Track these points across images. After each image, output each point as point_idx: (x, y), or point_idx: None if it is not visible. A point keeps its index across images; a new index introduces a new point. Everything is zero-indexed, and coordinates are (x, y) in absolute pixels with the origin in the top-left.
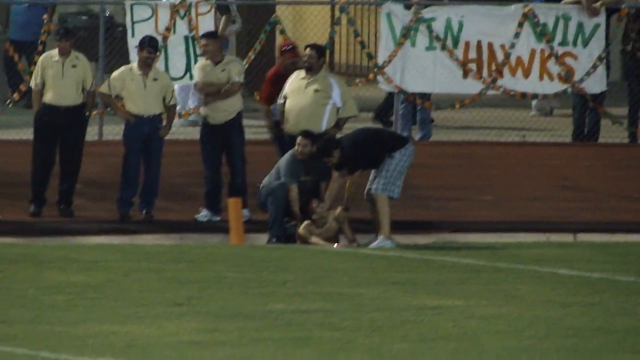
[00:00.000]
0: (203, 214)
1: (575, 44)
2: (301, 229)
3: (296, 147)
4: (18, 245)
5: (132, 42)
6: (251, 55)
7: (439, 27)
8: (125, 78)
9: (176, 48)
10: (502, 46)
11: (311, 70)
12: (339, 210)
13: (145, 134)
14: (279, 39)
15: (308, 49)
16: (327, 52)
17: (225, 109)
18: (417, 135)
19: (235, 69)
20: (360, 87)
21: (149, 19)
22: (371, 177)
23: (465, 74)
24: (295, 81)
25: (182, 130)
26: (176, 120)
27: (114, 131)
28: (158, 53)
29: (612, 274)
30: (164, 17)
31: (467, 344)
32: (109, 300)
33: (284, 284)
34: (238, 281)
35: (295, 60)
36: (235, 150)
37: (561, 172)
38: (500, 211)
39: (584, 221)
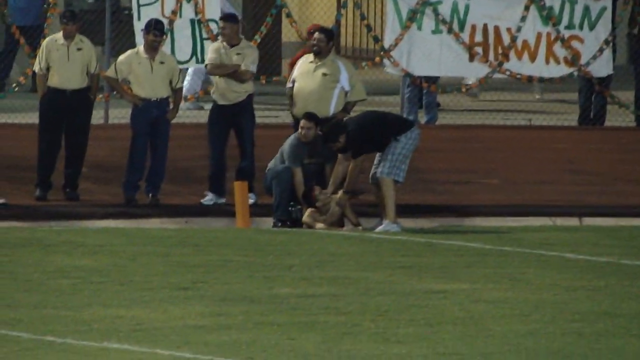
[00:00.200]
0: (208, 198)
1: (581, 27)
2: (305, 217)
3: (300, 131)
4: (24, 230)
5: (138, 26)
6: (257, 38)
7: (445, 10)
8: (132, 62)
9: (182, 31)
10: (509, 29)
11: (320, 54)
12: (340, 194)
13: (152, 117)
14: (285, 22)
15: (317, 32)
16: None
17: (236, 90)
18: (423, 118)
19: (251, 57)
20: (367, 71)
21: (155, 2)
22: (376, 160)
23: (472, 58)
24: (304, 65)
25: (188, 114)
26: (184, 104)
27: (120, 115)
28: (164, 36)
29: (618, 257)
30: (170, 0)
31: (473, 327)
32: (115, 284)
33: (289, 268)
34: (243, 265)
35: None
36: (245, 132)
37: (567, 156)
38: (506, 195)
39: (590, 205)
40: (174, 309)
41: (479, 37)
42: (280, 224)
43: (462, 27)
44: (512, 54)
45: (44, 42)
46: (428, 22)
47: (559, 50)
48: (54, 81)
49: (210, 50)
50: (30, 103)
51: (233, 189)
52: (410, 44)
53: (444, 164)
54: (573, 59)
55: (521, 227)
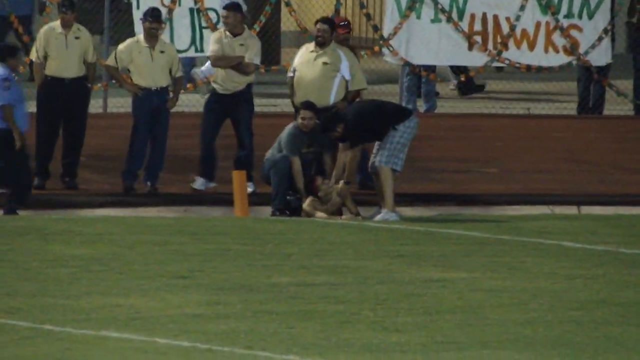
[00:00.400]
0: (199, 182)
1: (580, 16)
2: (306, 205)
3: (299, 120)
4: (22, 218)
5: (137, 14)
6: (256, 27)
7: None
8: (132, 50)
9: (181, 20)
10: (508, 18)
11: (324, 44)
12: (341, 184)
13: (153, 106)
14: (284, 11)
15: (320, 23)
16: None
17: (236, 80)
18: (421, 107)
19: (255, 48)
20: (366, 60)
21: None
22: (375, 149)
23: (471, 47)
24: (305, 54)
25: (187, 102)
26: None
27: (119, 104)
28: (163, 25)
29: (616, 246)
30: None
31: (472, 316)
32: (113, 273)
33: (288, 257)
34: (242, 254)
35: (347, 37)
36: (242, 121)
37: (566, 145)
38: (505, 184)
39: (588, 193)
40: (172, 297)
41: (478, 26)
42: (278, 213)
43: (461, 16)
44: (511, 43)
45: (42, 31)
46: (427, 11)
47: (558, 39)
48: (52, 69)
49: (212, 40)
50: (28, 92)
51: (226, 176)
52: (409, 33)
53: (443, 153)
54: (572, 48)
55: (520, 216)
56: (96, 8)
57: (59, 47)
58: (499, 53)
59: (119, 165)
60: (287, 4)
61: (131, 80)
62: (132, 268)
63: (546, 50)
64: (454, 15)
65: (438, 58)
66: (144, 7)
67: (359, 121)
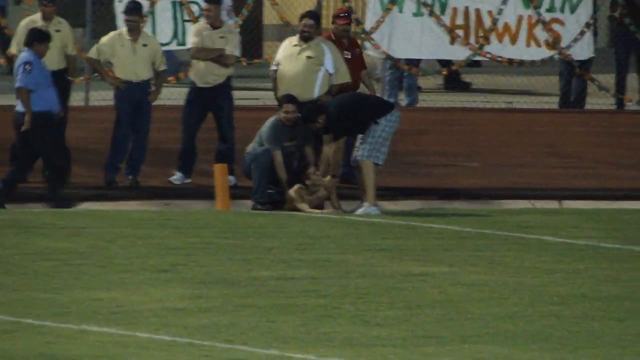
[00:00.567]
0: (176, 177)
1: (562, 10)
2: (292, 191)
3: (281, 113)
4: (3, 212)
5: (119, 8)
6: (239, 20)
7: None
8: (114, 44)
9: (164, 13)
10: (490, 12)
11: (310, 39)
12: (328, 178)
13: (135, 99)
14: (266, 5)
15: (306, 18)
16: None
17: (216, 74)
18: (403, 101)
19: (234, 41)
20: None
21: None
22: (357, 143)
23: (453, 40)
24: (288, 48)
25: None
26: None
27: (100, 97)
28: (145, 18)
29: (597, 241)
30: None
31: (452, 310)
32: (94, 266)
33: (269, 251)
34: (223, 247)
35: (347, 28)
36: (224, 115)
37: (547, 139)
38: (487, 178)
39: (570, 188)
40: (154, 291)
41: (460, 20)
42: (259, 207)
43: (443, 9)
44: (493, 37)
45: (22, 24)
46: (409, 4)
47: (540, 33)
48: None
49: (192, 33)
50: (8, 85)
51: (208, 169)
52: (391, 26)
53: (424, 147)
54: (554, 42)
55: (501, 210)
56: (79, 1)
57: None
58: (481, 47)
59: (100, 158)
60: None
61: (113, 73)
62: (114, 262)
63: (528, 44)
64: (436, 9)
65: (420, 52)
66: (125, 0)
67: (341, 113)
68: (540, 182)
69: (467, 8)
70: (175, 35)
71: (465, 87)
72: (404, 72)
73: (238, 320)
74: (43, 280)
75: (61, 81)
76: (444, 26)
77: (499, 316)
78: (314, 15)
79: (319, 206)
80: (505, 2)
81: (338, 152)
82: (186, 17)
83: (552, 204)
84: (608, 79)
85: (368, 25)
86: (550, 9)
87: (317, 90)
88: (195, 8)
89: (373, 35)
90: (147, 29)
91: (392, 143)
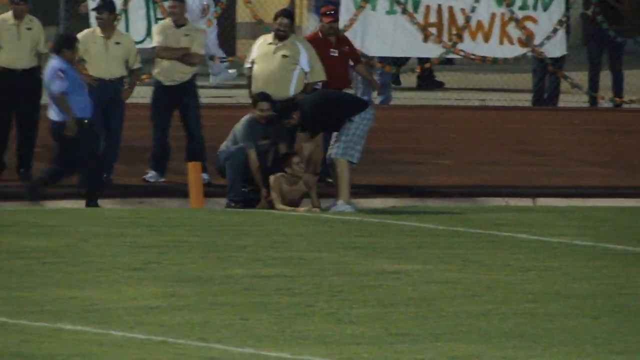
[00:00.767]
0: (150, 175)
1: (535, 7)
2: (273, 178)
3: (255, 111)
4: None
5: (92, 5)
6: (212, 18)
7: None
8: (87, 41)
9: (137, 11)
10: (463, 10)
11: (285, 38)
12: (308, 175)
13: (107, 97)
14: (239, 3)
15: (281, 17)
16: None
17: (180, 70)
18: (377, 99)
19: (200, 39)
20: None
21: None
22: (332, 141)
23: (426, 38)
24: (263, 46)
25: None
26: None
27: None
28: (115, 16)
29: (570, 238)
30: None
31: (426, 308)
32: (68, 265)
33: (243, 249)
34: (197, 245)
35: (333, 25)
36: (190, 112)
37: (520, 137)
38: (460, 175)
39: (543, 185)
40: (127, 289)
41: (433, 18)
42: (233, 205)
43: (416, 7)
44: (466, 35)
45: None
46: (382, 2)
47: (513, 30)
48: (4, 61)
49: (156, 32)
50: None
51: (181, 167)
52: (364, 24)
53: (397, 145)
54: (527, 40)
55: (474, 208)
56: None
57: (11, 38)
58: (454, 45)
59: None
60: None
61: (87, 70)
62: (87, 260)
63: (501, 42)
64: (409, 6)
65: (393, 50)
66: None
67: (315, 110)
68: (514, 179)
69: (440, 6)
70: (148, 33)
71: (439, 86)
72: (378, 69)
73: (212, 318)
74: (17, 279)
75: (33, 80)
76: (417, 24)
77: (473, 314)
78: (289, 13)
79: (295, 203)
80: (478, 0)
81: (318, 150)
82: (159, 15)
83: (526, 202)
84: (581, 77)
85: (341, 23)
86: (523, 7)
87: (292, 88)
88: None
89: (346, 33)
90: (120, 27)
91: (366, 141)
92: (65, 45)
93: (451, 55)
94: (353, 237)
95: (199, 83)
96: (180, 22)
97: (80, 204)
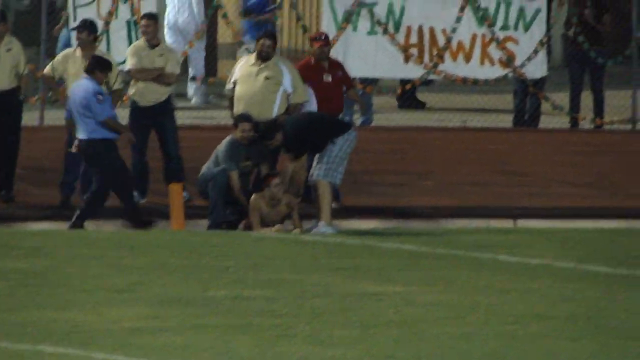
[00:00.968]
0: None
1: (516, 28)
2: (252, 199)
3: (237, 132)
4: None
5: (73, 25)
6: (194, 40)
7: (381, 11)
8: (67, 61)
9: (118, 32)
10: (444, 31)
11: (268, 59)
12: (290, 197)
13: None
14: (221, 23)
15: (265, 39)
16: None
17: (156, 91)
18: (358, 120)
19: (174, 59)
20: None
21: (91, 2)
22: (314, 162)
23: (407, 59)
24: (245, 67)
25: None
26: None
27: (55, 116)
28: (100, 37)
29: (551, 260)
30: (106, 1)
31: (408, 330)
32: (50, 286)
33: (225, 271)
34: (179, 267)
35: (324, 50)
36: (167, 132)
37: (502, 158)
38: (441, 197)
39: (524, 207)
40: (110, 311)
41: (414, 39)
42: (215, 227)
43: (397, 28)
44: (447, 55)
45: None
46: (364, 23)
47: (494, 51)
48: None
49: (130, 53)
50: None
51: (164, 190)
52: (345, 45)
53: (379, 166)
54: (508, 60)
55: (456, 229)
56: (33, 20)
57: None
58: (435, 65)
59: (56, 178)
60: (224, 16)
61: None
62: (69, 282)
63: (482, 63)
64: (390, 27)
65: (375, 70)
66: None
67: (297, 132)
68: (495, 200)
69: (421, 27)
70: None
71: (421, 107)
72: (358, 90)
73: (194, 340)
74: None
75: (13, 100)
76: (398, 45)
77: (454, 336)
78: (272, 35)
79: (278, 222)
80: (459, 21)
81: (301, 172)
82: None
83: (507, 223)
84: (562, 98)
85: None
86: (504, 28)
87: (276, 110)
88: None
89: None
90: (102, 48)
91: (348, 162)
92: (99, 67)
93: (432, 76)
94: (335, 259)
95: (180, 104)
96: (153, 42)
97: (61, 225)
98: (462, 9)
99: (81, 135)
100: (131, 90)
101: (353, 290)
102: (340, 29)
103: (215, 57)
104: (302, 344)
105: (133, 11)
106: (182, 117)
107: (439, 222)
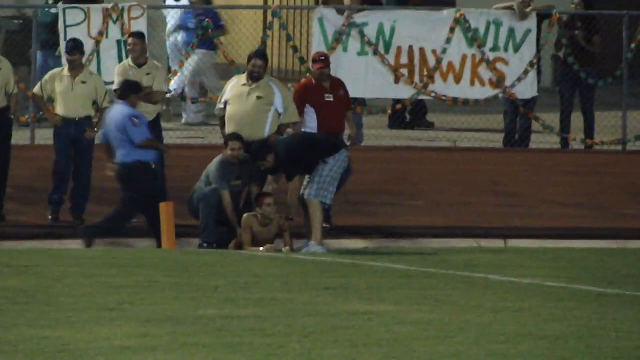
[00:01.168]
0: None
1: (506, 49)
2: (243, 219)
3: (228, 151)
4: None
5: (65, 46)
6: (184, 59)
7: (371, 32)
8: (55, 80)
9: (109, 52)
10: (434, 51)
11: (259, 79)
12: (282, 220)
13: (71, 136)
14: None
15: (257, 59)
16: None
17: (146, 111)
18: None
19: (162, 77)
20: (292, 92)
21: (81, 23)
22: (305, 182)
23: (397, 79)
24: (237, 87)
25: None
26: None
27: (46, 135)
28: (90, 57)
29: (542, 279)
30: (96, 21)
31: (399, 349)
32: (40, 305)
33: (215, 289)
34: (169, 286)
35: (324, 71)
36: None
37: (492, 178)
38: (431, 216)
39: (514, 227)
40: (100, 329)
41: (404, 59)
42: (206, 246)
43: (387, 48)
44: (437, 76)
45: None
46: (354, 43)
47: (484, 72)
48: None
49: (117, 73)
50: None
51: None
52: (336, 65)
53: (369, 186)
54: (498, 81)
55: (446, 249)
56: (24, 40)
57: None
58: (426, 86)
59: (46, 197)
60: (215, 36)
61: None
62: (60, 300)
63: (472, 83)
64: (381, 48)
65: (365, 91)
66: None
67: (290, 153)
68: (485, 221)
69: (411, 47)
70: None
71: (431, 127)
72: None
73: (184, 358)
74: None
75: (2, 120)
76: (388, 65)
77: (445, 355)
78: (263, 55)
79: (269, 241)
80: (449, 42)
81: (294, 193)
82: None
83: (497, 243)
84: (552, 118)
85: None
86: (494, 49)
87: (267, 130)
88: None
89: None
90: (92, 67)
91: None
92: (132, 91)
93: (423, 97)
94: (325, 278)
95: (171, 124)
96: (140, 61)
97: (51, 243)
98: (452, 30)
99: (119, 159)
100: None
101: (344, 309)
102: (331, 49)
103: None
104: None
105: (123, 31)
106: (173, 137)
107: (430, 242)
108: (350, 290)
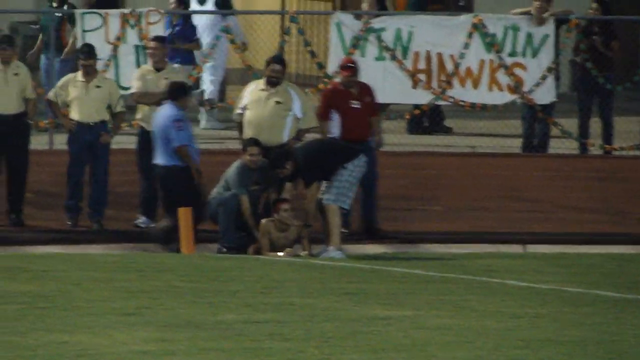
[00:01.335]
0: (142, 220)
1: (524, 54)
2: (261, 224)
3: (246, 156)
4: None
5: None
6: (201, 63)
7: (388, 37)
8: (69, 84)
9: (126, 57)
10: (452, 56)
11: (278, 84)
12: (301, 227)
13: (86, 141)
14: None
15: (275, 64)
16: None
17: None
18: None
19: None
20: (310, 97)
21: (99, 28)
22: (323, 187)
23: (415, 85)
24: (255, 92)
25: (132, 139)
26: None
27: (64, 140)
28: (108, 62)
29: (561, 285)
30: (114, 26)
31: (417, 354)
32: (59, 310)
33: (234, 294)
34: (188, 291)
35: (352, 78)
36: None
37: (510, 183)
38: (450, 222)
39: (533, 232)
40: (119, 334)
41: (422, 64)
42: (225, 250)
43: (405, 53)
44: (455, 81)
45: None
46: (371, 49)
47: (502, 77)
48: None
49: (136, 77)
50: None
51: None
52: None
53: (388, 191)
54: (516, 86)
55: (465, 254)
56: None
57: None
58: (443, 91)
59: (64, 201)
60: (232, 42)
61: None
62: (78, 305)
63: (490, 89)
64: (398, 53)
65: (383, 96)
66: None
67: (309, 159)
68: (504, 226)
69: (429, 52)
70: None
71: (447, 131)
72: None
73: None
74: (8, 323)
75: (21, 125)
76: (406, 70)
77: None
78: (281, 60)
79: (288, 246)
80: (467, 47)
81: (312, 200)
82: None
83: (516, 248)
84: (571, 124)
85: (330, 69)
86: (512, 54)
87: (286, 135)
88: None
89: (335, 79)
90: (110, 73)
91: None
92: (182, 92)
93: (440, 102)
94: (344, 283)
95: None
96: (159, 66)
97: (70, 248)
98: (469, 35)
99: (159, 160)
100: (138, 115)
101: (362, 314)
102: (348, 54)
103: (223, 82)
104: None
105: (141, 36)
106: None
107: (448, 247)
108: (368, 295)
